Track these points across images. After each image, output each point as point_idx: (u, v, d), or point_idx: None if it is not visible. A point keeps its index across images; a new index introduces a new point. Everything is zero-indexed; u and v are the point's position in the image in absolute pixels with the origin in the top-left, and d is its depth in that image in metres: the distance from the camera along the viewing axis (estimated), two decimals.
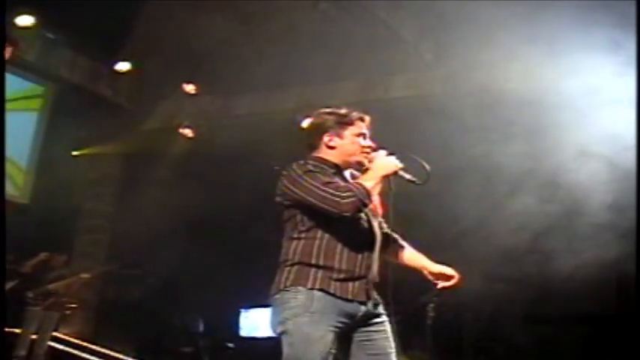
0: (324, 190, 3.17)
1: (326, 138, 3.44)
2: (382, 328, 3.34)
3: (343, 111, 3.47)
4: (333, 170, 3.37)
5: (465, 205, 7.41)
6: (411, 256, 3.63)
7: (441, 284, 3.52)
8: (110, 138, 11.36)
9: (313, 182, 3.20)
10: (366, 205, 3.20)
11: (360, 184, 3.22)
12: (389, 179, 3.37)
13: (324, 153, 3.44)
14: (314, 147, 3.47)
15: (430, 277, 3.54)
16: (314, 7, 7.99)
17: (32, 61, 9.75)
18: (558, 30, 6.55)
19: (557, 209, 7.08)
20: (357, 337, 3.30)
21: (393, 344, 3.35)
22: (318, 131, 3.47)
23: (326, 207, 3.16)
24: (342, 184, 3.24)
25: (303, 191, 3.22)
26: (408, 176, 3.35)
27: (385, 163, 3.33)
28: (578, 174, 6.82)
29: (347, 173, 3.47)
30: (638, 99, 5.70)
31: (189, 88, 10.14)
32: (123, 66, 10.16)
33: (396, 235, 3.65)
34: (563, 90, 7.20)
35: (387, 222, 3.58)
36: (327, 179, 3.23)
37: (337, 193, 3.15)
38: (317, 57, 8.36)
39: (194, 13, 9.17)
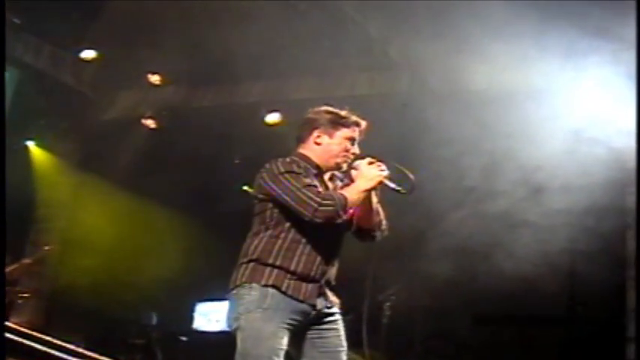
0: (303, 193, 3.15)
1: (315, 133, 3.42)
2: (335, 326, 3.35)
3: (342, 112, 3.43)
4: (315, 171, 3.35)
5: (421, 203, 7.43)
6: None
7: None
8: (71, 127, 11.16)
9: (294, 182, 3.18)
10: (340, 217, 3.17)
11: (343, 196, 3.19)
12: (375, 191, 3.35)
13: (308, 150, 3.42)
14: (302, 140, 3.46)
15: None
16: (283, 2, 7.94)
17: None
18: (528, 31, 6.59)
19: (511, 210, 7.13)
20: (310, 334, 3.30)
21: (344, 343, 3.36)
22: (310, 126, 3.45)
23: (300, 209, 3.14)
24: (323, 190, 3.23)
25: (280, 189, 3.20)
26: (392, 185, 3.32)
27: (369, 176, 3.29)
28: (538, 175, 6.88)
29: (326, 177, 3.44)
30: (638, 97, 5.74)
31: (154, 78, 10.01)
32: (88, 54, 9.98)
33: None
34: (531, 91, 7.26)
35: None
36: (308, 181, 3.21)
37: (316, 198, 3.13)
38: (283, 51, 8.31)
39: (161, 3, 9.05)
